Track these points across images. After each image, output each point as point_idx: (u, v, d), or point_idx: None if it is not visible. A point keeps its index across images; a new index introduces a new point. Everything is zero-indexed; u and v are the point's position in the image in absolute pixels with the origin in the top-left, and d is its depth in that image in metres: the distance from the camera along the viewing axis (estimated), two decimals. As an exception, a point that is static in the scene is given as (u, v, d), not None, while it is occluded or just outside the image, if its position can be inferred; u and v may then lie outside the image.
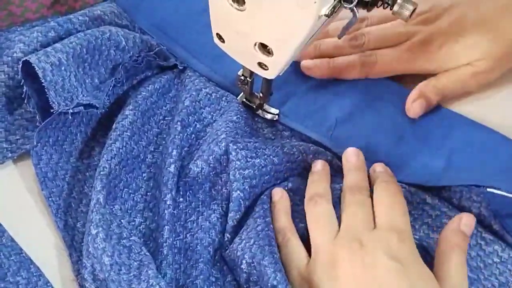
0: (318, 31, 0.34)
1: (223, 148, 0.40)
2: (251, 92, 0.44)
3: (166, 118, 0.46)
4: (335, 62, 0.46)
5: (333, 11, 0.30)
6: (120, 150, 0.41)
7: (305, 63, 0.46)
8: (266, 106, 0.45)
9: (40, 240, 0.40)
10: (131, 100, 0.44)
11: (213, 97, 0.46)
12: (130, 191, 0.41)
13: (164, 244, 0.37)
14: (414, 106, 0.44)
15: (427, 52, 0.45)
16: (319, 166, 0.41)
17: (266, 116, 0.45)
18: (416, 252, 0.35)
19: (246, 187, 0.39)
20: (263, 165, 0.40)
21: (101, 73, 0.45)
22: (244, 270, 0.36)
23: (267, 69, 0.37)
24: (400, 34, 0.46)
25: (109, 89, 0.44)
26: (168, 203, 0.39)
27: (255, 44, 0.35)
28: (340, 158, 0.42)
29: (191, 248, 0.39)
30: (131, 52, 0.46)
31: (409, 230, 0.36)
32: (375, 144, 0.44)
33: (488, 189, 0.38)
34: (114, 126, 0.43)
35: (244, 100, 0.45)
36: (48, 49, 0.42)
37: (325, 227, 0.37)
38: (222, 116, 0.44)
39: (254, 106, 0.45)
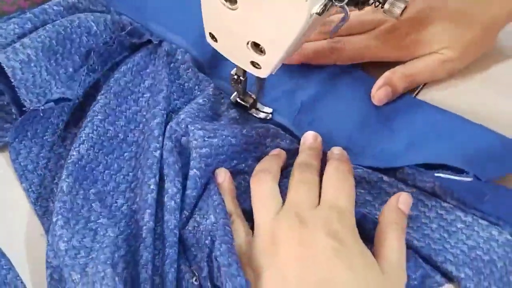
0: (310, 29, 0.34)
1: (184, 129, 0.41)
2: (244, 91, 0.44)
3: (144, 95, 0.46)
4: (303, 48, 0.46)
5: (325, 9, 0.31)
6: (90, 135, 0.42)
7: None
8: (259, 105, 0.45)
9: (18, 232, 0.40)
10: (104, 85, 0.45)
11: (186, 87, 0.46)
12: (112, 173, 0.42)
13: (144, 227, 0.37)
14: (378, 93, 0.45)
15: (394, 40, 0.46)
16: (275, 151, 0.42)
17: (259, 115, 0.45)
18: (356, 232, 0.35)
19: (202, 165, 0.39)
20: (220, 145, 0.40)
21: (75, 61, 0.45)
22: (208, 245, 0.36)
23: (260, 68, 0.37)
24: (368, 22, 0.47)
25: (82, 78, 0.44)
26: (151, 187, 0.39)
27: (247, 43, 0.35)
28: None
29: (163, 233, 0.38)
30: (104, 35, 0.46)
31: (352, 210, 0.36)
32: (337, 128, 0.44)
33: (436, 174, 0.38)
34: (87, 114, 0.43)
35: (238, 99, 0.45)
36: (17, 45, 0.42)
37: (267, 204, 0.37)
38: None
39: (248, 105, 0.45)
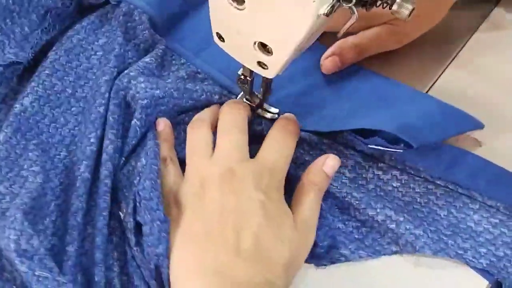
0: (317, 30, 0.34)
1: (125, 83, 0.42)
2: (251, 91, 0.44)
3: (97, 53, 0.47)
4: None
5: (332, 10, 0.31)
6: (36, 88, 0.43)
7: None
8: (265, 105, 0.45)
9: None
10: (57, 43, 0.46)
11: (141, 48, 0.47)
12: (57, 126, 0.43)
13: (79, 177, 0.39)
14: (326, 62, 0.45)
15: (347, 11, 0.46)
16: (216, 105, 0.43)
17: (266, 115, 0.45)
18: (282, 191, 0.37)
19: (143, 115, 0.41)
20: (161, 96, 0.42)
21: (32, 20, 0.46)
22: (135, 184, 0.37)
23: (267, 68, 0.37)
24: None
25: (35, 42, 0.46)
26: (91, 140, 0.40)
27: (254, 43, 0.35)
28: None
29: (95, 183, 0.39)
30: None
31: (284, 168, 0.38)
32: (283, 92, 0.45)
33: (370, 146, 0.39)
34: (37, 69, 0.45)
35: (244, 99, 0.45)
36: None
37: (200, 150, 0.39)
38: None
39: (254, 106, 0.45)
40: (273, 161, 0.37)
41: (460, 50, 0.49)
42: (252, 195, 0.35)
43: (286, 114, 0.42)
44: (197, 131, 0.40)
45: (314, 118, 0.44)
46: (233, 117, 0.40)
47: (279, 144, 0.39)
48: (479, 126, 0.42)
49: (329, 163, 0.38)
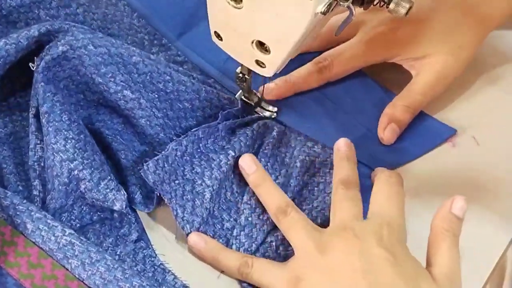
0: (315, 29, 0.34)
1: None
2: (249, 89, 0.44)
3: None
4: (291, 80, 0.46)
5: (329, 8, 0.31)
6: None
7: (268, 85, 0.45)
8: (264, 104, 0.45)
9: None
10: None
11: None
12: None
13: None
14: (386, 134, 0.44)
15: (385, 42, 0.45)
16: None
17: (264, 114, 0.45)
18: (405, 245, 0.35)
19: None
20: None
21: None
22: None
23: (265, 67, 0.37)
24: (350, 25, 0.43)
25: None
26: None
27: (252, 42, 0.35)
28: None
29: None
30: None
31: (402, 223, 0.36)
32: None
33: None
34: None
35: (243, 97, 0.45)
36: None
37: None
38: None
39: (253, 104, 0.45)
40: (387, 216, 0.36)
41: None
42: (378, 253, 0.33)
43: (381, 168, 0.41)
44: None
45: (313, 126, 0.45)
46: (350, 191, 0.38)
47: (389, 198, 0.37)
48: (451, 132, 0.45)
49: (457, 205, 0.35)
